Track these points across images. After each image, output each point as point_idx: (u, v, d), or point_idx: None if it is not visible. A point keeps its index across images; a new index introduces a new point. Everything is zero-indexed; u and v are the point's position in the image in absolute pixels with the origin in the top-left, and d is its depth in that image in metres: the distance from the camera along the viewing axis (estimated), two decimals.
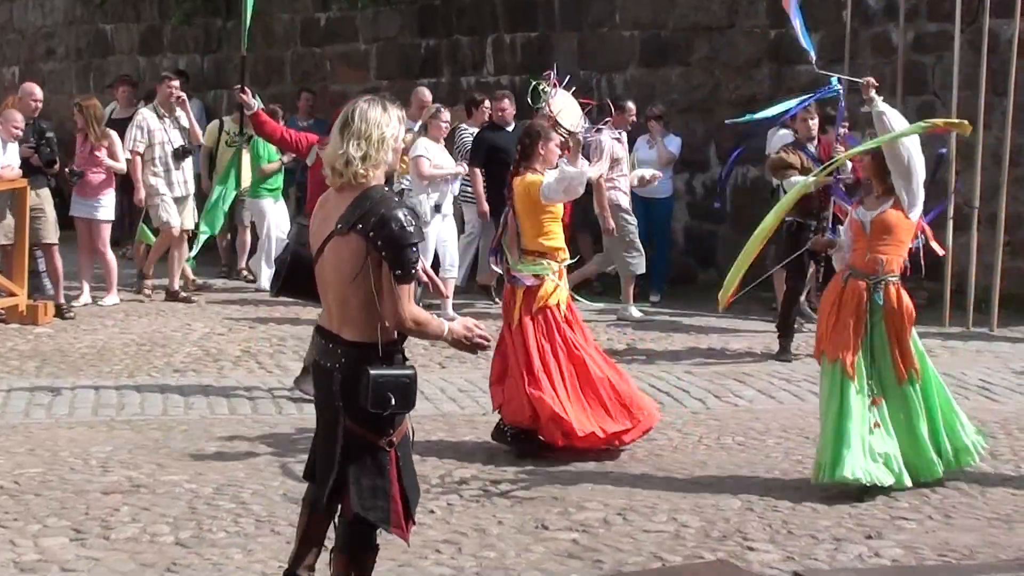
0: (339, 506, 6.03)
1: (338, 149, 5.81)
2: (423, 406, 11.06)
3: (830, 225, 12.76)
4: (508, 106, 15.41)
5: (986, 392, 11.60)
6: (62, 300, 14.68)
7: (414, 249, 5.71)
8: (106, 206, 15.20)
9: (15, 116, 14.21)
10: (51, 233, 14.52)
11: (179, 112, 15.82)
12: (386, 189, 5.90)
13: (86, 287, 15.44)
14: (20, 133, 14.18)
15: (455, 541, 7.77)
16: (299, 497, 8.36)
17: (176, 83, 16.01)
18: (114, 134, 15.29)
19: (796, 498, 8.57)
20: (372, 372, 5.70)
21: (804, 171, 12.72)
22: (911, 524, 8.11)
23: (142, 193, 15.52)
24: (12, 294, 14.28)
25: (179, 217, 15.64)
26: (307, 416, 10.70)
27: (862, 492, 8.51)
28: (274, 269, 6.38)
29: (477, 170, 15.11)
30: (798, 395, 11.59)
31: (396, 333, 5.85)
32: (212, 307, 15.48)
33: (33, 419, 10.57)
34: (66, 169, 15.03)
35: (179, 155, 15.64)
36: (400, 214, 5.70)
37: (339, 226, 5.77)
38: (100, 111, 15.48)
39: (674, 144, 16.15)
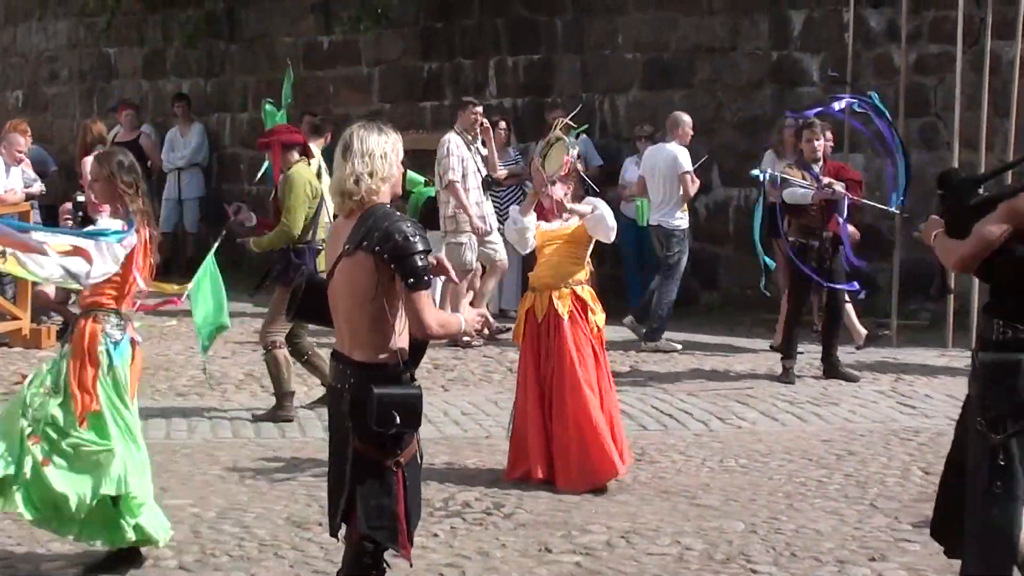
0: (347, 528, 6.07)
1: (344, 171, 5.90)
2: (426, 429, 11.00)
3: (830, 245, 12.78)
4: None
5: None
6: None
7: (421, 257, 5.77)
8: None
9: (18, 140, 14.23)
10: None
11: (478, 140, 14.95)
12: (389, 206, 5.96)
13: None
14: (23, 157, 14.19)
15: (458, 565, 7.77)
16: (303, 521, 8.44)
17: (480, 109, 15.04)
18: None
19: (799, 520, 8.58)
20: (377, 391, 5.75)
21: None
22: (915, 546, 8.10)
23: (477, 221, 14.50)
24: (16, 317, 14.29)
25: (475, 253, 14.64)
26: (310, 440, 10.74)
27: None
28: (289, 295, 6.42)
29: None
30: (801, 417, 11.59)
31: (409, 351, 5.92)
32: None
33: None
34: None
35: (487, 186, 14.80)
36: (403, 226, 5.79)
37: (347, 247, 5.84)
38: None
39: None
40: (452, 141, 14.60)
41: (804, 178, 12.80)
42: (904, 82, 15.02)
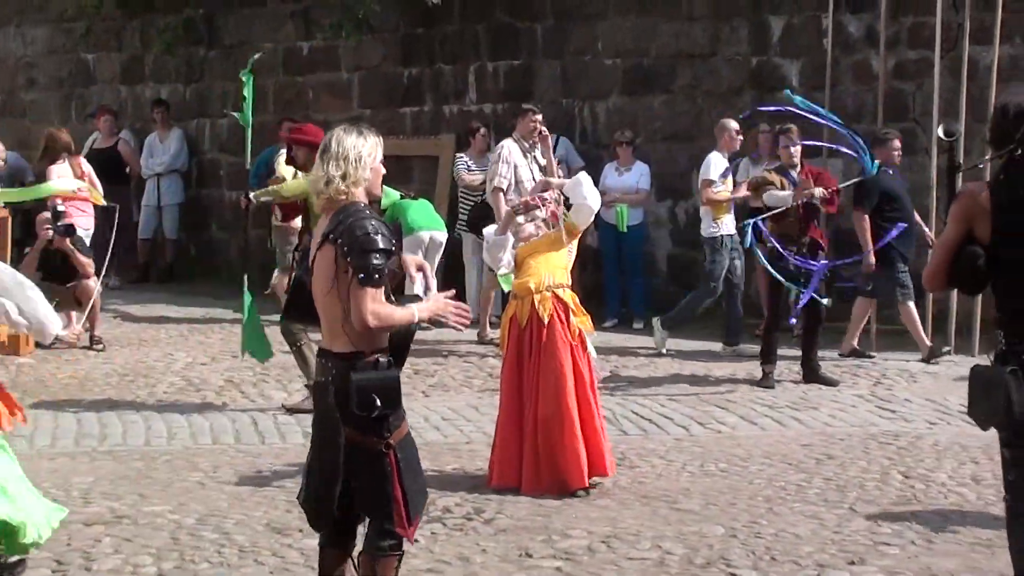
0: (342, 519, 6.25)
1: (319, 172, 6.15)
2: None
3: (808, 251, 12.78)
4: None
5: (968, 417, 11.58)
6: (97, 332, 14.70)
7: (378, 256, 5.96)
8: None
9: None
10: None
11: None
12: (363, 205, 6.16)
13: (74, 315, 15.38)
14: (1, 163, 14.12)
15: (439, 570, 7.76)
16: (283, 527, 8.42)
17: (539, 116, 14.58)
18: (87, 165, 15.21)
19: (779, 524, 8.58)
20: (355, 376, 6.00)
21: None
22: (894, 549, 8.12)
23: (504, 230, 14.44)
24: None
25: None
26: (290, 446, 10.72)
27: None
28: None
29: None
30: (781, 421, 11.61)
31: (385, 340, 6.14)
32: (194, 337, 15.46)
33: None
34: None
35: None
36: (368, 224, 6.01)
37: (319, 240, 6.12)
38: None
39: (642, 170, 16.13)
40: (507, 148, 14.31)
41: (783, 184, 12.85)
42: (883, 88, 15.07)
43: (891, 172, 13.77)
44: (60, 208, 14.16)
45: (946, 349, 14.01)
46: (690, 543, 8.23)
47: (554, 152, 16.19)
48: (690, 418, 11.67)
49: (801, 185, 12.77)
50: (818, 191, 12.73)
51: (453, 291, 6.55)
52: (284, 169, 15.55)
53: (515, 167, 14.17)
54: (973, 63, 14.52)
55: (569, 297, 9.57)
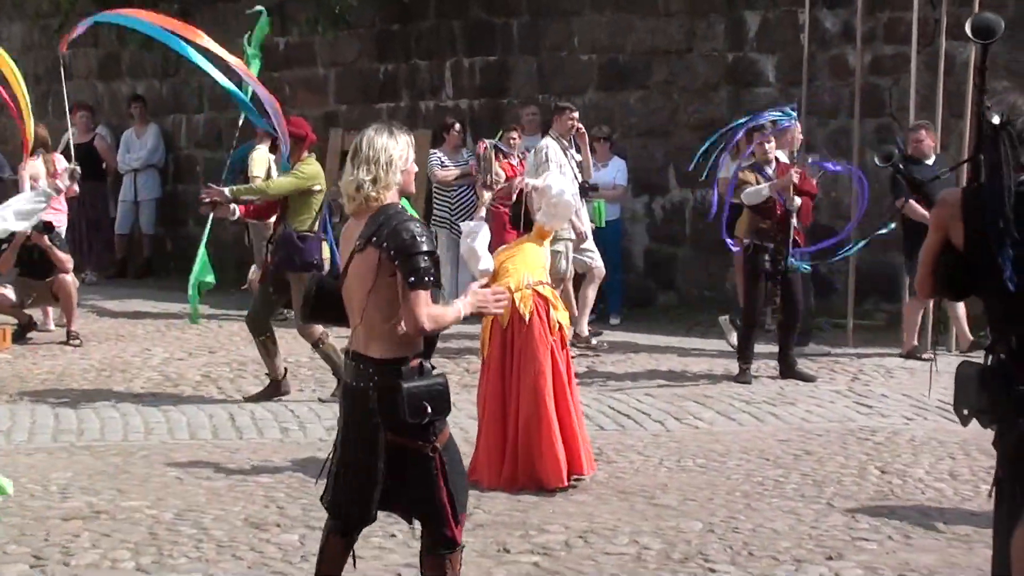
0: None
1: (349, 176, 6.13)
2: None
3: (789, 249, 12.81)
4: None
5: (945, 413, 11.62)
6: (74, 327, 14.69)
7: (425, 258, 5.95)
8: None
9: None
10: None
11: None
12: (400, 207, 6.18)
13: (51, 311, 15.37)
14: None
15: (416, 565, 7.70)
16: (260, 522, 8.42)
17: (576, 114, 14.48)
18: (61, 158, 15.15)
19: (757, 520, 8.60)
20: (405, 386, 5.97)
21: None
22: (872, 545, 8.14)
23: (579, 227, 13.89)
24: None
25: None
26: (267, 441, 10.72)
27: None
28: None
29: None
30: (758, 416, 11.63)
31: (423, 343, 6.13)
32: (172, 332, 15.43)
33: None
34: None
35: (583, 192, 14.18)
36: (412, 226, 6.01)
37: (358, 243, 6.07)
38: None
39: (619, 166, 16.15)
40: (550, 147, 14.08)
41: (757, 180, 12.88)
42: (859, 83, 15.10)
43: (928, 163, 13.50)
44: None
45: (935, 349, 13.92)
46: (668, 538, 8.24)
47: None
48: (667, 413, 11.69)
49: (779, 180, 12.79)
50: (797, 201, 12.75)
51: (487, 279, 6.60)
52: (258, 167, 15.56)
53: (560, 166, 13.86)
54: (950, 58, 14.55)
55: (549, 292, 9.57)
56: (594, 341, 14.28)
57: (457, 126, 16.64)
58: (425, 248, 5.95)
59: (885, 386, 12.76)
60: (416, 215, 15.00)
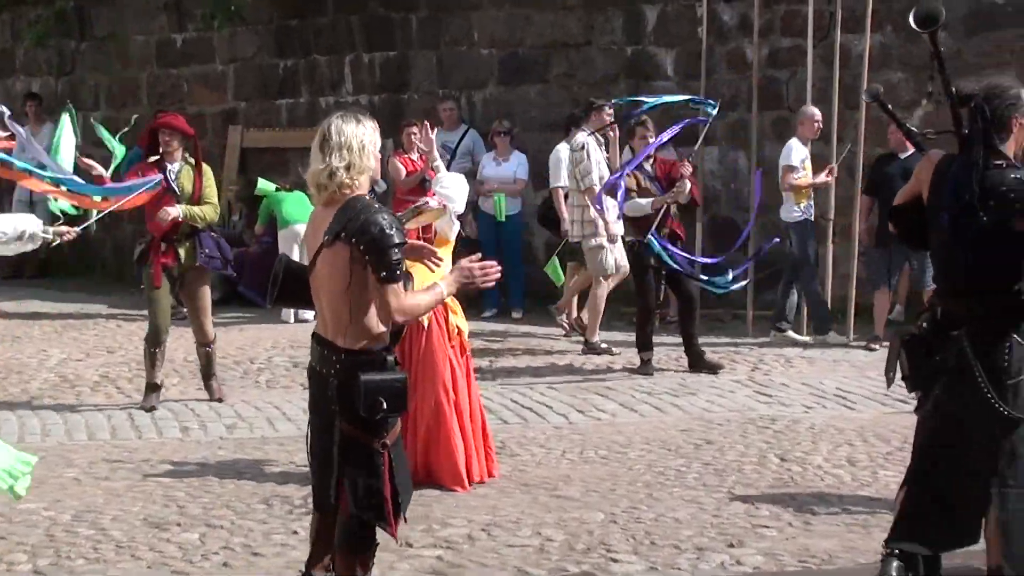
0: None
1: (319, 165, 6.02)
2: (286, 427, 11.00)
3: (668, 243, 12.79)
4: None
5: (843, 401, 11.76)
6: None
7: (396, 251, 5.89)
8: None
9: None
10: None
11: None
12: (368, 198, 6.11)
13: None
14: None
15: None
16: (160, 522, 8.34)
17: (611, 110, 14.28)
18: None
19: (659, 509, 8.63)
20: (364, 378, 5.92)
21: (641, 191, 12.84)
22: (771, 531, 8.20)
23: (612, 227, 13.58)
24: None
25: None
26: (167, 441, 10.63)
27: None
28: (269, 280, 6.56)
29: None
30: (660, 408, 11.67)
31: (388, 338, 6.09)
32: (69, 333, 15.25)
33: None
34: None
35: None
36: (381, 219, 5.91)
37: (326, 238, 5.98)
38: None
39: (520, 160, 16.16)
40: (589, 144, 13.82)
41: (638, 180, 12.86)
42: (757, 76, 15.20)
43: (901, 157, 13.48)
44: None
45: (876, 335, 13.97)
46: (570, 529, 8.25)
47: (461, 144, 16.29)
48: (570, 406, 11.71)
49: (666, 193, 12.79)
50: (686, 188, 12.78)
51: (477, 255, 6.55)
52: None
53: (598, 163, 13.81)
54: (845, 51, 14.67)
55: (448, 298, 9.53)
56: (604, 346, 14.03)
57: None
58: (396, 241, 5.88)
59: (785, 375, 12.85)
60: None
